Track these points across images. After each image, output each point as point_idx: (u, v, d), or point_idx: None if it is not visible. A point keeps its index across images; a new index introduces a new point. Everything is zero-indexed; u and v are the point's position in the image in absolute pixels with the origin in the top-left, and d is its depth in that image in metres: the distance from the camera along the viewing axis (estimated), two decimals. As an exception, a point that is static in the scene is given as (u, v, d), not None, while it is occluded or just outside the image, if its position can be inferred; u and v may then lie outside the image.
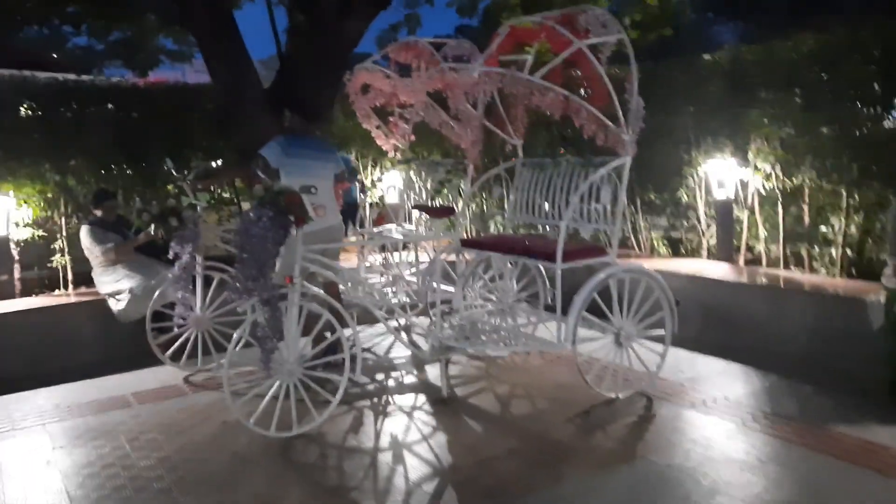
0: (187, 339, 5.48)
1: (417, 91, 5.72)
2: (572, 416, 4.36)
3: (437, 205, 5.71)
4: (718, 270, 7.51)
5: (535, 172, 5.18)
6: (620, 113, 4.40)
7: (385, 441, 4.11)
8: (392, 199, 8.32)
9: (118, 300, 6.13)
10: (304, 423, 4.20)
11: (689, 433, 4.04)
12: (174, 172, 5.47)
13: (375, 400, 4.76)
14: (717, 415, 4.29)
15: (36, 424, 4.48)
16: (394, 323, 6.13)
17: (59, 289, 7.00)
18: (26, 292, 7.04)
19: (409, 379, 5.20)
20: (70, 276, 6.99)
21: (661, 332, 4.67)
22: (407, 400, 4.75)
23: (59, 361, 6.20)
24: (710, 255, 8.27)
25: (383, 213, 7.26)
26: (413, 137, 6.84)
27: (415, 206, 4.62)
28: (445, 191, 5.80)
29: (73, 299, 6.81)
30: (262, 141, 7.62)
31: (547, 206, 4.94)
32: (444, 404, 4.63)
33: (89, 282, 7.16)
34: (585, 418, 4.34)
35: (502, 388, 4.92)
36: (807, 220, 7.37)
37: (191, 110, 7.14)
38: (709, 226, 8.32)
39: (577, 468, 3.69)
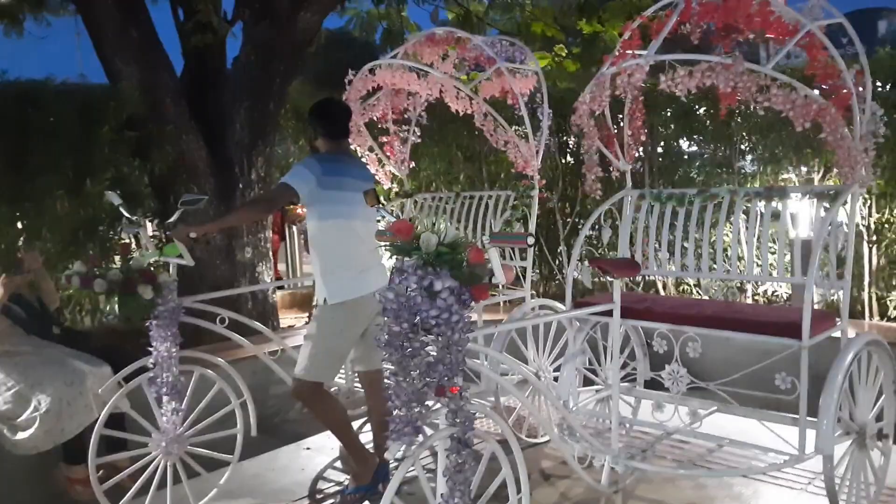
0: (153, 471, 3.47)
1: (468, 96, 4.22)
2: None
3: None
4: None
5: (663, 208, 3.80)
6: (858, 122, 3.16)
7: None
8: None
9: (14, 425, 3.70)
10: None
11: None
12: (126, 214, 3.46)
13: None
14: None
15: None
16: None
17: None
18: None
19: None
20: None
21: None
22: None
23: None
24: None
25: None
26: (412, 164, 5.32)
27: (591, 260, 3.07)
28: (512, 230, 4.22)
29: None
30: (187, 164, 5.61)
31: (719, 255, 3.56)
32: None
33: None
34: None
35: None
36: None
37: (92, 124, 4.86)
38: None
39: None
